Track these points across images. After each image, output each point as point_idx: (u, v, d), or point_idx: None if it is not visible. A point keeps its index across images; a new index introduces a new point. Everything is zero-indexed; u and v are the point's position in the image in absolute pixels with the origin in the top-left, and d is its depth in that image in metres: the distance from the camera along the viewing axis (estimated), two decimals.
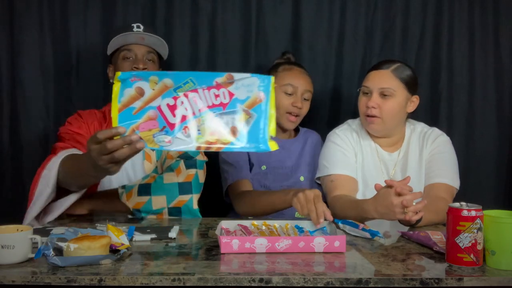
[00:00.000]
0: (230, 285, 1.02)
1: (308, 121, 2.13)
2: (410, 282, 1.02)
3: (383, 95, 1.72)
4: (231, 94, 1.18)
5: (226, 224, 1.38)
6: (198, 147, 1.17)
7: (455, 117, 2.23)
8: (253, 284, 1.02)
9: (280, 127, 1.91)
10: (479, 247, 1.09)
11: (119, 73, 1.18)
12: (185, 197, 1.62)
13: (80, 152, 1.57)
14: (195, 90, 1.17)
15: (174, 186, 1.61)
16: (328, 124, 2.14)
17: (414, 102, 1.78)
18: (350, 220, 1.41)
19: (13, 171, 2.13)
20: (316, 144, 1.98)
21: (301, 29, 2.21)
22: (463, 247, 1.09)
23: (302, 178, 1.90)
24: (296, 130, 2.03)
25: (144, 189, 1.60)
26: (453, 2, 2.22)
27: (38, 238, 1.14)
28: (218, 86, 1.18)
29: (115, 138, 1.16)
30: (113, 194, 1.62)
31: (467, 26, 2.22)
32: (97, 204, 1.63)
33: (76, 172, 1.43)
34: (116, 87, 1.18)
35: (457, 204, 1.12)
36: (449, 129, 2.17)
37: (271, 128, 1.19)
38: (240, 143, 1.17)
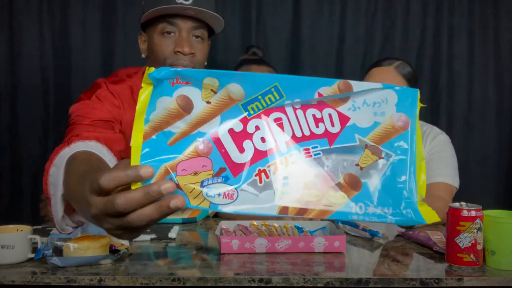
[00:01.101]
0: (230, 285, 1.02)
1: None
2: (410, 282, 1.02)
3: None
4: (344, 119, 0.71)
5: (226, 224, 1.38)
6: (284, 210, 0.68)
7: (455, 117, 2.23)
8: (253, 284, 1.01)
9: None
10: (479, 247, 1.09)
11: (151, 69, 0.67)
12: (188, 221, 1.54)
13: (102, 150, 1.08)
14: (281, 109, 0.70)
15: (177, 220, 1.51)
16: None
17: None
18: (350, 220, 1.41)
19: (12, 171, 2.13)
20: None
21: (301, 29, 2.21)
22: (463, 247, 1.09)
23: None
24: None
25: None
26: (453, 2, 2.22)
27: (38, 238, 1.13)
28: (321, 105, 0.71)
29: (132, 186, 0.64)
30: None
31: (467, 26, 2.22)
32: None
33: (74, 198, 0.83)
34: (145, 94, 0.68)
35: (457, 204, 1.12)
36: (449, 129, 2.17)
37: (422, 183, 0.71)
38: (361, 206, 0.70)
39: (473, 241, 1.08)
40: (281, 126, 0.70)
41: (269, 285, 1.02)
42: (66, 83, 2.15)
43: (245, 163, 0.69)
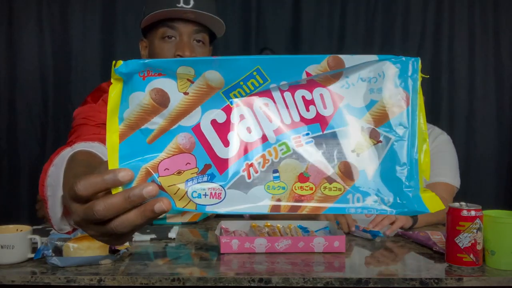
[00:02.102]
0: (230, 285, 1.02)
1: None
2: (410, 282, 1.02)
3: None
4: (337, 98, 0.63)
5: (226, 224, 1.37)
6: (275, 207, 0.62)
7: (455, 117, 2.23)
8: (252, 284, 1.01)
9: None
10: (479, 247, 1.09)
11: (119, 63, 0.61)
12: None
13: (105, 151, 0.86)
14: (267, 94, 0.63)
15: (176, 223, 1.51)
16: None
17: None
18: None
19: (10, 171, 2.13)
20: None
21: (301, 29, 2.21)
22: (462, 247, 1.09)
23: None
24: None
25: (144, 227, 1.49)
26: (453, 2, 2.22)
27: (37, 238, 1.13)
28: (311, 84, 0.63)
29: (112, 191, 0.61)
30: None
31: (467, 26, 2.22)
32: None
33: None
34: (115, 91, 0.63)
35: (456, 204, 1.12)
36: (449, 129, 2.17)
37: (425, 165, 0.63)
38: (359, 197, 0.62)
39: (473, 241, 1.08)
40: (268, 113, 0.63)
41: (269, 285, 1.02)
42: (65, 83, 2.15)
43: (231, 158, 0.63)
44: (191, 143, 0.63)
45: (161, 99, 0.61)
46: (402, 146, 0.62)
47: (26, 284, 1.01)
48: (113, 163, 0.61)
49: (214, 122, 0.63)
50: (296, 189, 0.62)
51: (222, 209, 0.61)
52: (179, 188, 0.61)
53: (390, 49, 2.22)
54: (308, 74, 0.61)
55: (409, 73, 0.65)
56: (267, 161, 0.62)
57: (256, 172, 0.62)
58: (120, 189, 0.60)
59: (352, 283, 1.02)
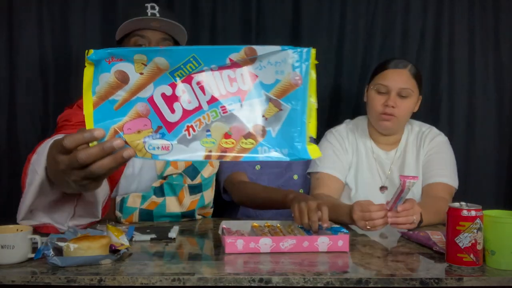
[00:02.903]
0: (230, 285, 1.02)
1: None
2: (410, 282, 1.02)
3: (400, 95, 1.72)
4: (253, 77, 0.86)
5: (227, 224, 1.37)
6: (208, 156, 0.85)
7: (455, 117, 2.23)
8: (253, 284, 1.01)
9: None
10: (479, 247, 1.09)
11: (90, 52, 0.85)
12: (187, 219, 1.60)
13: None
14: (201, 74, 0.86)
15: (177, 214, 1.57)
16: (327, 123, 2.14)
17: (419, 102, 1.79)
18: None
19: (10, 171, 2.13)
20: None
21: (301, 29, 2.21)
22: (463, 247, 1.09)
23: (295, 177, 1.91)
24: None
25: (146, 214, 1.53)
26: (453, 2, 2.22)
27: (38, 238, 1.13)
28: (234, 66, 0.85)
29: (90, 145, 0.84)
30: (109, 210, 1.51)
31: (467, 26, 2.22)
32: None
33: (55, 171, 0.96)
34: (88, 72, 0.85)
35: (457, 204, 1.12)
36: (449, 129, 2.18)
37: (311, 126, 0.88)
38: (266, 149, 0.86)
39: (473, 241, 1.08)
40: (202, 88, 0.86)
41: (269, 285, 1.02)
42: (66, 83, 2.15)
43: (176, 122, 0.86)
44: (147, 110, 0.86)
45: (123, 78, 0.85)
46: (296, 113, 0.86)
47: (27, 284, 1.01)
48: (89, 125, 0.85)
49: (163, 95, 0.86)
50: (222, 143, 0.86)
51: (170, 158, 0.85)
52: (138, 143, 0.85)
53: (390, 49, 2.22)
54: (231, 60, 0.84)
55: (303, 60, 0.86)
56: (202, 124, 0.86)
57: (194, 131, 0.86)
58: (95, 143, 0.83)
59: (352, 283, 1.02)
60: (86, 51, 0.84)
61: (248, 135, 0.86)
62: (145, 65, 0.85)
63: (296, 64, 0.86)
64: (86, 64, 0.85)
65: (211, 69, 0.85)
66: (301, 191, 1.90)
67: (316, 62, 0.89)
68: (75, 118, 1.47)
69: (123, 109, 0.86)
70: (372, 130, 1.84)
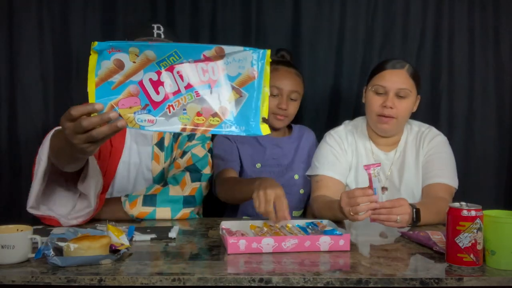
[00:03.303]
0: (230, 285, 1.02)
1: (308, 120, 2.13)
2: (410, 282, 1.02)
3: (399, 96, 1.71)
4: (221, 70, 1.10)
5: (226, 224, 1.37)
6: (183, 129, 1.10)
7: (455, 117, 2.23)
8: (253, 284, 1.02)
9: (271, 127, 1.90)
10: (479, 247, 1.09)
11: (95, 43, 1.08)
12: (188, 210, 1.62)
13: None
14: (181, 65, 1.10)
15: (179, 199, 1.61)
16: (327, 123, 2.14)
17: (418, 102, 1.79)
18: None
19: (11, 171, 2.13)
20: (312, 143, 1.97)
21: (301, 29, 2.21)
22: (463, 247, 1.09)
23: (296, 177, 1.90)
24: (289, 127, 2.02)
25: (149, 199, 1.58)
26: (453, 2, 2.21)
27: (38, 238, 1.14)
28: (207, 60, 1.10)
29: (92, 115, 1.08)
30: (115, 203, 1.59)
31: (467, 26, 2.22)
32: (98, 213, 1.57)
33: (58, 148, 1.29)
34: (93, 59, 1.09)
35: (457, 204, 1.12)
36: (449, 129, 2.17)
37: (264, 109, 1.11)
38: (228, 126, 1.11)
39: (473, 241, 1.09)
40: (181, 76, 1.10)
41: (269, 285, 1.02)
42: (66, 83, 2.15)
43: (160, 101, 1.10)
44: (137, 91, 1.10)
45: (119, 65, 1.09)
46: (252, 99, 1.11)
47: (27, 284, 1.01)
48: (92, 100, 1.09)
49: (151, 80, 1.10)
50: (195, 120, 1.11)
51: (154, 128, 1.10)
52: (129, 116, 1.10)
53: (390, 49, 2.21)
54: (204, 56, 1.10)
55: (259, 59, 1.11)
56: (180, 104, 1.11)
57: (174, 109, 1.11)
58: (95, 114, 1.08)
59: (352, 283, 1.02)
60: (92, 42, 1.08)
61: (215, 115, 1.11)
62: (137, 56, 1.09)
63: (254, 62, 1.11)
64: (91, 53, 1.08)
65: (189, 62, 1.10)
66: (301, 191, 1.90)
67: (270, 60, 1.13)
68: None
69: (119, 89, 1.09)
70: (371, 131, 1.83)
